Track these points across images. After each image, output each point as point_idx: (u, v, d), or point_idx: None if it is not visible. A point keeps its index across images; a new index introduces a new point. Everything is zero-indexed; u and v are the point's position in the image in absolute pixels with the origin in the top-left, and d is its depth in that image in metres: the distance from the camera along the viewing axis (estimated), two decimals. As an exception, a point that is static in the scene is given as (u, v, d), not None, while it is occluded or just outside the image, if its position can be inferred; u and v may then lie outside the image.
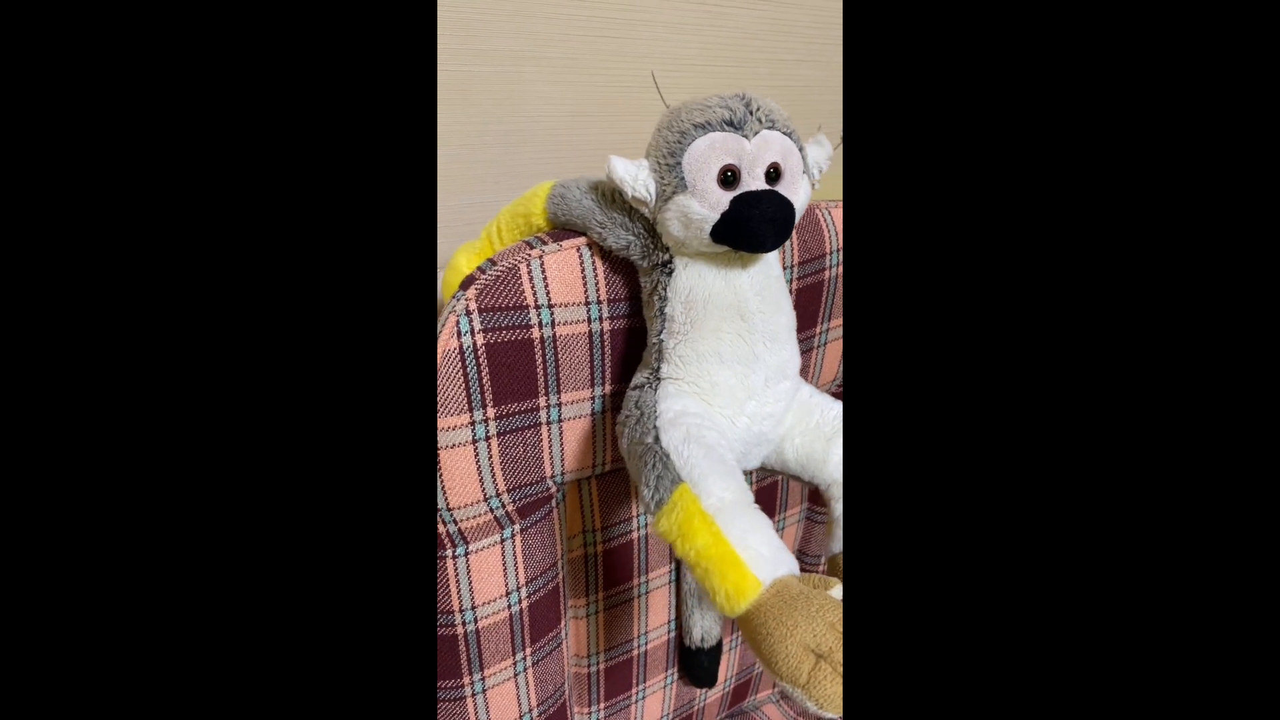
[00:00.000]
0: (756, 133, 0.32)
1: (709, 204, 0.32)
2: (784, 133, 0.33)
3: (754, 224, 0.31)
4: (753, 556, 0.28)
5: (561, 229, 0.39)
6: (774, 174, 0.32)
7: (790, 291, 0.46)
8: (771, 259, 0.36)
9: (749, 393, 0.35)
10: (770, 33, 0.66)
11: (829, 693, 0.26)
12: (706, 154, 0.31)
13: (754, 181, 0.32)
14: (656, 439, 0.32)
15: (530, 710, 0.48)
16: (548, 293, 0.37)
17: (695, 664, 0.55)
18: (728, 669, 0.62)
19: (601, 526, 0.48)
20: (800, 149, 0.34)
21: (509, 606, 0.43)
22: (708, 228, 0.32)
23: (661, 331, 0.36)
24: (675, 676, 0.58)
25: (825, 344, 0.50)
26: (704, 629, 0.53)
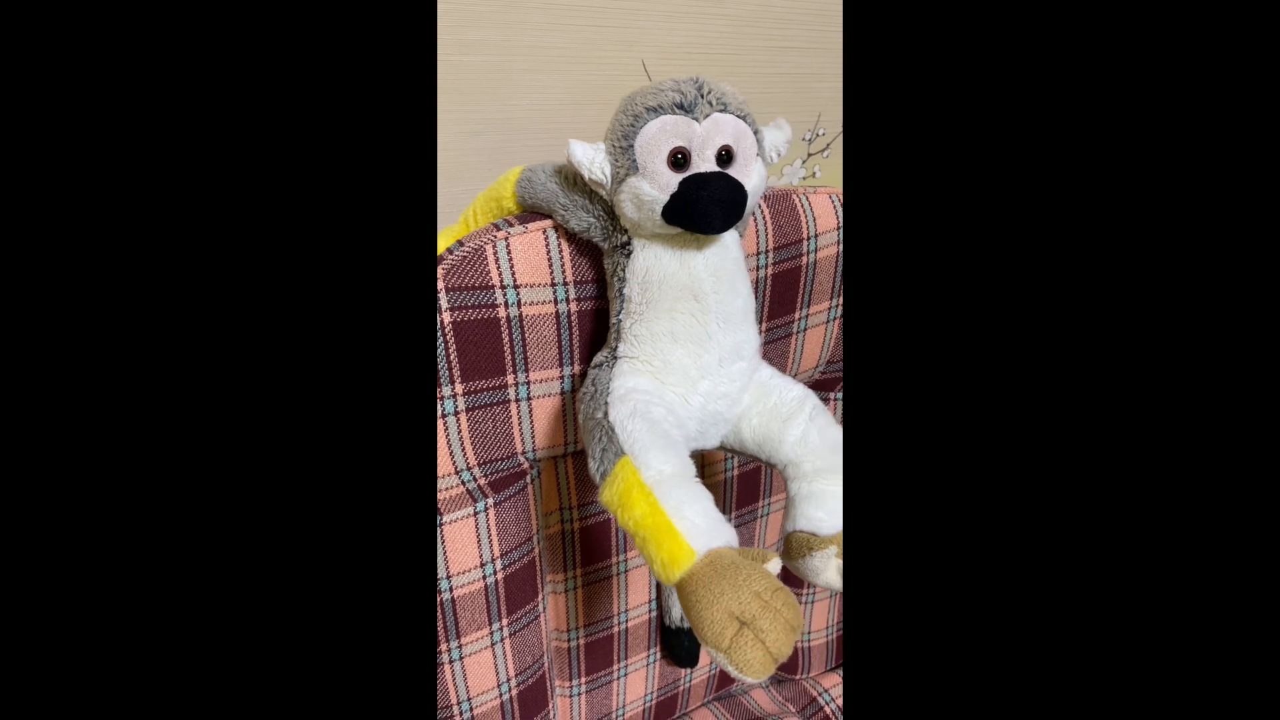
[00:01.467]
0: (707, 115, 0.32)
1: (659, 185, 0.32)
2: (738, 116, 0.33)
3: (702, 205, 0.32)
4: (688, 527, 0.29)
5: (530, 212, 0.40)
6: (726, 156, 0.33)
7: (765, 277, 0.46)
8: (729, 241, 0.36)
9: (702, 372, 0.35)
10: (768, 19, 0.66)
11: (749, 658, 0.27)
12: (657, 136, 0.32)
13: (704, 164, 0.33)
14: (605, 414, 0.33)
15: (509, 679, 0.49)
16: (513, 273, 0.38)
17: (676, 644, 0.56)
18: (713, 651, 0.63)
19: (578, 504, 0.49)
20: (755, 132, 0.34)
21: (484, 577, 0.45)
22: (658, 209, 0.33)
23: (620, 312, 0.37)
24: (658, 656, 0.59)
25: (805, 330, 0.51)
26: (682, 609, 0.54)
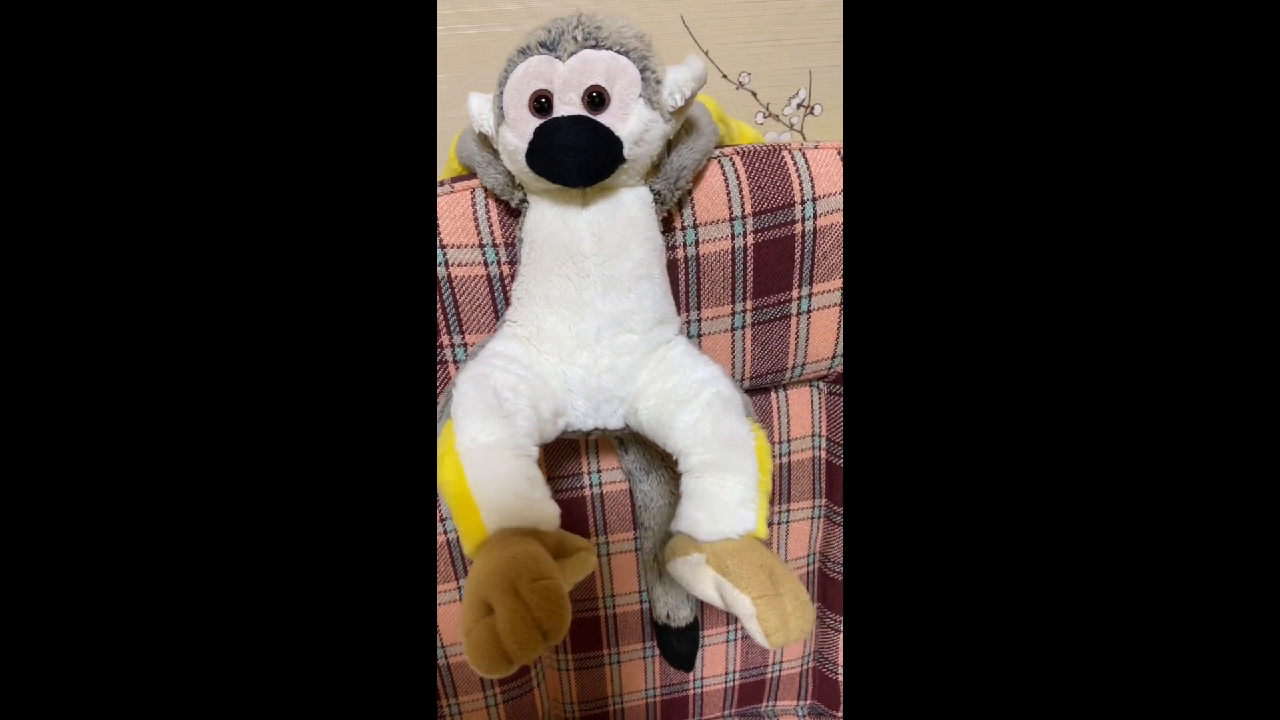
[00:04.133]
0: (572, 53, 0.29)
1: (520, 133, 0.30)
2: (618, 51, 0.29)
3: (552, 153, 0.29)
4: (484, 502, 0.27)
5: (469, 172, 0.40)
6: (597, 99, 0.29)
7: (744, 247, 0.40)
8: (627, 198, 0.32)
9: (579, 342, 0.32)
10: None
11: (479, 648, 0.24)
12: (520, 80, 0.30)
13: (567, 107, 0.29)
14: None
15: (482, 637, 0.51)
16: (439, 234, 0.38)
17: (665, 642, 0.52)
18: (728, 661, 0.58)
19: (549, 477, 0.48)
20: (645, 70, 0.30)
21: (445, 533, 0.47)
22: (521, 160, 0.30)
23: (516, 274, 0.35)
24: (657, 652, 0.56)
25: (808, 312, 0.43)
26: (669, 606, 0.50)
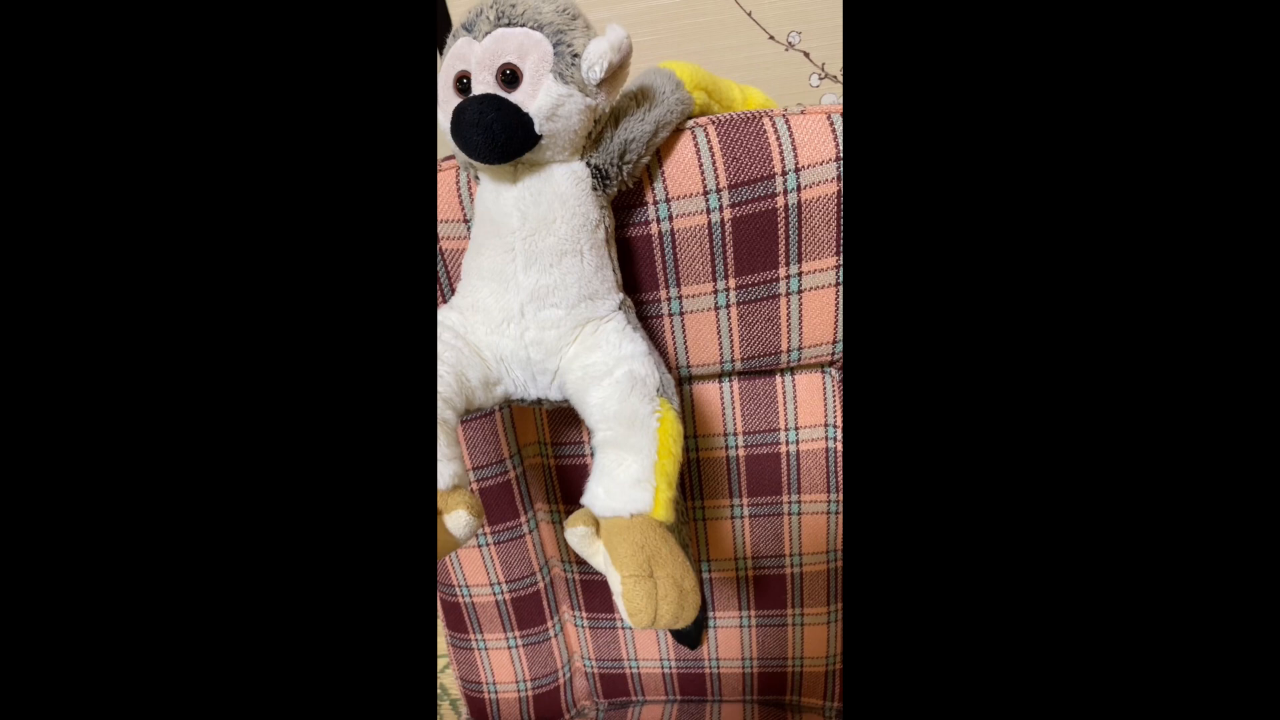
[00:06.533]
0: (487, 33, 0.30)
1: (445, 114, 0.32)
2: (532, 27, 0.30)
3: (463, 132, 0.30)
4: None
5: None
6: (510, 76, 0.30)
7: (719, 222, 0.39)
8: (558, 174, 0.32)
9: (505, 315, 0.33)
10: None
11: None
12: (447, 63, 0.31)
13: (481, 86, 0.30)
14: None
15: (499, 582, 0.55)
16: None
17: (668, 616, 0.53)
18: (743, 647, 0.57)
19: (552, 442, 0.51)
20: (559, 45, 0.30)
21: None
22: (449, 139, 0.32)
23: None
24: (669, 624, 0.57)
25: (799, 292, 0.40)
26: None
